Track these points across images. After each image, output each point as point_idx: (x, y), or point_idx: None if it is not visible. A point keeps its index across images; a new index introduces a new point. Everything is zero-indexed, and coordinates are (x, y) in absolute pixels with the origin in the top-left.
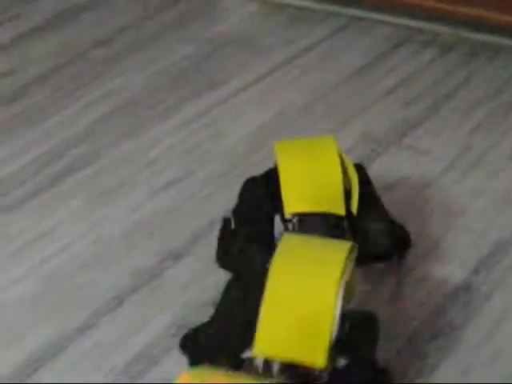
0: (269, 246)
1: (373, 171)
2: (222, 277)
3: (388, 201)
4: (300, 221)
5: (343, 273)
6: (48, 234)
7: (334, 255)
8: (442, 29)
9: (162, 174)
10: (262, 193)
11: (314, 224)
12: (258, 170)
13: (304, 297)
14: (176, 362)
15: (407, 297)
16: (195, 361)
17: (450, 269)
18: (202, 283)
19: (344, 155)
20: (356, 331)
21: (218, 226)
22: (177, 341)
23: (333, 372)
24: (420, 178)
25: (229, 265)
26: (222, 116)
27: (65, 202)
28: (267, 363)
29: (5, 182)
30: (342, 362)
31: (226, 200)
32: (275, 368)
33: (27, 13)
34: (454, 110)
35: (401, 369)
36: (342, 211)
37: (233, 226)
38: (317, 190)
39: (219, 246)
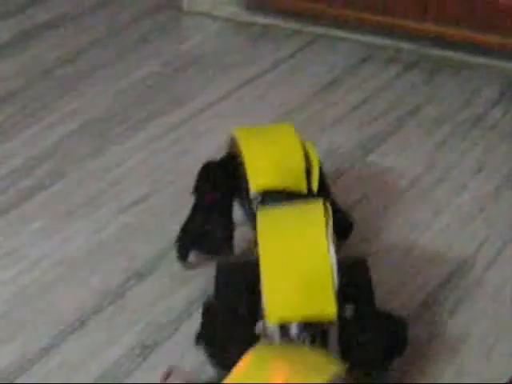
0: (228, 223)
1: (338, 187)
2: (188, 295)
3: (354, 216)
4: (263, 199)
5: (327, 225)
6: (12, 255)
7: (312, 213)
8: (405, 45)
9: (127, 192)
10: (220, 177)
11: (277, 201)
12: None
13: (299, 257)
14: (141, 382)
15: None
16: (213, 348)
17: (415, 286)
18: (167, 302)
19: (302, 139)
20: (351, 278)
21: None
22: (141, 361)
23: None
24: (385, 195)
25: (188, 240)
26: (188, 134)
27: (29, 221)
28: (283, 329)
29: None
30: (349, 310)
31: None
32: (293, 331)
33: None
34: (418, 126)
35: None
36: (304, 189)
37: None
38: (280, 169)
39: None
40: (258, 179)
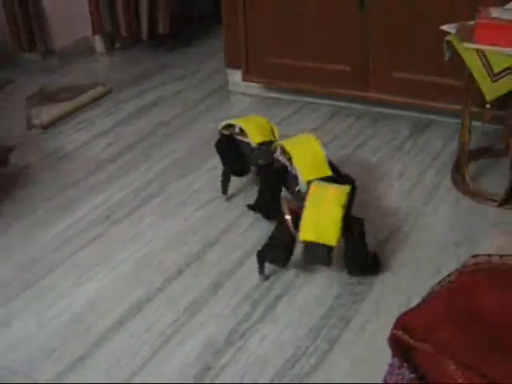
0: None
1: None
2: (241, 253)
3: None
4: (260, 146)
5: (317, 139)
6: (134, 238)
7: (308, 137)
8: (356, 106)
9: (201, 198)
10: (231, 144)
11: (266, 145)
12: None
13: (311, 154)
14: (214, 310)
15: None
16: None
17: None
18: (229, 259)
19: (273, 126)
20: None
21: (237, 226)
22: (214, 294)
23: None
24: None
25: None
26: None
27: (145, 218)
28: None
29: (115, 205)
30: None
31: (241, 211)
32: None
33: (122, 108)
34: (366, 152)
35: None
36: (275, 138)
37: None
38: (263, 133)
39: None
40: (255, 138)
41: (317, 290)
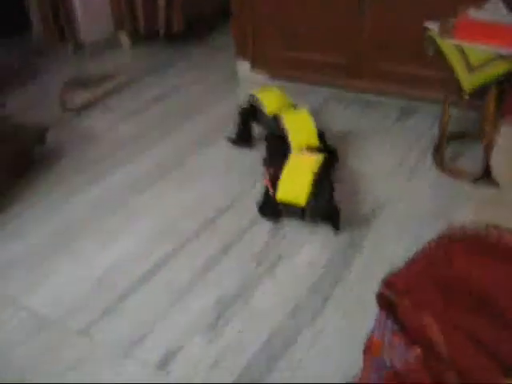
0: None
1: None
2: (247, 222)
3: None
4: (274, 117)
5: (310, 115)
6: (158, 205)
7: (304, 113)
8: (348, 94)
9: (215, 172)
10: (250, 112)
11: (278, 116)
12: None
13: (303, 124)
14: (224, 267)
15: None
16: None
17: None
18: (237, 225)
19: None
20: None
21: (245, 196)
22: (223, 252)
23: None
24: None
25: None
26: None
27: (166, 188)
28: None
29: (138, 177)
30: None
31: (250, 184)
32: (304, 152)
33: (144, 94)
34: (357, 132)
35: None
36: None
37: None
38: (277, 107)
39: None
40: (270, 109)
41: (312, 252)
